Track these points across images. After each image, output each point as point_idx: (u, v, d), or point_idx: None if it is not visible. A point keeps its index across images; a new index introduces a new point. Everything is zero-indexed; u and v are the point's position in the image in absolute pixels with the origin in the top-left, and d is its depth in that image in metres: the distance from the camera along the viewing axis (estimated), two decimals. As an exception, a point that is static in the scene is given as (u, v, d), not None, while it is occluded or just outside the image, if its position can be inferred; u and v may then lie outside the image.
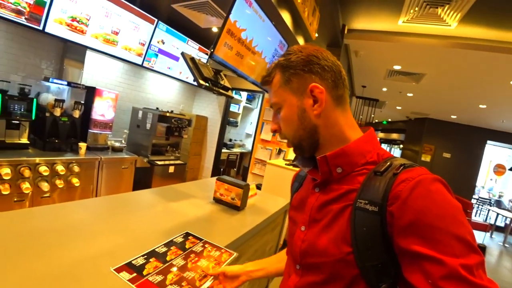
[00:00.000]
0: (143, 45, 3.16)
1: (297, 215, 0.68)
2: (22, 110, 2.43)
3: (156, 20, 3.11)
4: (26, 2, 2.26)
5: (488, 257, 5.06)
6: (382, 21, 3.11)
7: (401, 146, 9.37)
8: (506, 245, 6.14)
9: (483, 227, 6.10)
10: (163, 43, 3.36)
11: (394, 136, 10.10)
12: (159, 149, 3.62)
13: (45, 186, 2.34)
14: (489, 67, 3.35)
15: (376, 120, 10.98)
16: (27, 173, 2.21)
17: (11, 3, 2.19)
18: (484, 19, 2.69)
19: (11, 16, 2.22)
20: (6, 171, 2.08)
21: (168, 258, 0.98)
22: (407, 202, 0.46)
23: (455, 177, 7.37)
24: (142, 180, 3.36)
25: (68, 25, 2.52)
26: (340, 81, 0.62)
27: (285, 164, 4.08)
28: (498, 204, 9.43)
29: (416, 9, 2.74)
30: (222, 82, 1.57)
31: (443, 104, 5.75)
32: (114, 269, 0.86)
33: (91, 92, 2.92)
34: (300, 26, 2.37)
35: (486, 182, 11.70)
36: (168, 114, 3.41)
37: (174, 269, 0.93)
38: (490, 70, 3.44)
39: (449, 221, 0.43)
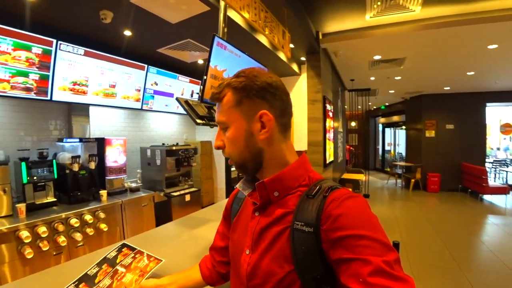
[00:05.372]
0: (139, 90, 3.44)
1: (240, 238, 0.71)
2: (44, 172, 2.68)
3: (146, 65, 3.39)
4: (33, 79, 2.54)
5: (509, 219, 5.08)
6: (351, 20, 3.32)
7: (404, 127, 9.41)
8: (528, 203, 6.12)
9: (502, 190, 6.06)
10: (156, 84, 3.64)
11: (395, 118, 10.14)
12: (172, 181, 3.84)
13: (78, 236, 2.55)
14: (463, 39, 3.50)
15: (374, 107, 11.10)
16: (61, 227, 2.43)
17: (20, 83, 2.48)
18: None
19: (23, 94, 2.51)
20: (43, 229, 2.30)
21: (96, 281, 0.95)
22: (336, 220, 0.53)
23: (464, 146, 7.39)
24: (162, 213, 3.56)
25: (71, 90, 2.81)
26: (287, 110, 0.67)
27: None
28: (515, 162, 9.34)
29: (379, 3, 2.94)
30: (215, 115, 1.78)
31: (433, 79, 5.86)
32: None
33: (101, 143, 3.18)
34: (276, 48, 2.60)
35: (500, 143, 11.53)
36: (174, 148, 3.64)
37: None
38: (465, 41, 3.59)
39: (369, 229, 0.51)
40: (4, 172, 2.38)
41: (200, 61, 3.74)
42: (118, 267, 0.99)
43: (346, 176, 5.78)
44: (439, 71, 5.13)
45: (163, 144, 3.90)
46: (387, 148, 11.76)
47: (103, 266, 1.00)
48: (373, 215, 0.54)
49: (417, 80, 5.95)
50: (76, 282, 0.93)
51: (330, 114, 4.28)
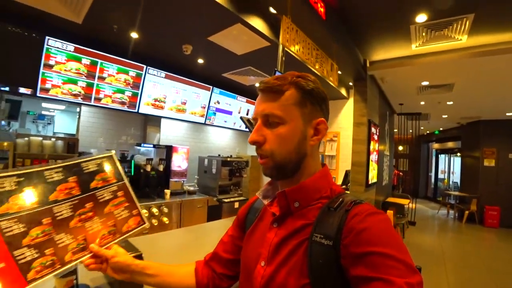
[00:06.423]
0: (204, 108, 4.06)
1: (255, 249, 0.68)
2: (124, 169, 3.30)
3: (211, 87, 4.01)
4: (127, 96, 3.24)
5: None
6: (397, 50, 3.52)
7: (459, 154, 8.86)
8: None
9: None
10: (218, 103, 4.24)
11: (450, 144, 9.59)
12: (224, 189, 4.30)
13: (145, 225, 3.07)
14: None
15: (427, 132, 10.62)
16: (135, 216, 2.99)
17: (118, 98, 3.18)
18: (490, 26, 2.88)
19: (119, 106, 3.21)
20: (123, 216, 2.87)
21: (51, 197, 0.66)
22: (359, 234, 0.52)
23: (530, 178, 6.76)
24: (213, 216, 4.00)
25: (152, 105, 3.48)
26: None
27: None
28: None
29: (424, 34, 3.10)
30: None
31: (492, 104, 5.56)
32: None
33: (169, 150, 3.77)
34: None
35: None
36: (229, 159, 4.12)
37: (48, 220, 0.63)
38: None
39: (394, 248, 0.49)
40: (98, 167, 3.05)
41: (257, 84, 4.24)
42: (87, 196, 0.72)
43: (391, 199, 5.71)
44: (498, 96, 4.89)
45: (219, 155, 4.41)
46: (440, 176, 11.07)
47: (69, 178, 0.71)
48: (398, 234, 0.53)
49: (472, 105, 5.73)
50: (23, 177, 0.65)
51: (375, 137, 4.42)
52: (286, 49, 2.00)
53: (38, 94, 2.69)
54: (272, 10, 2.35)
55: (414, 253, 4.46)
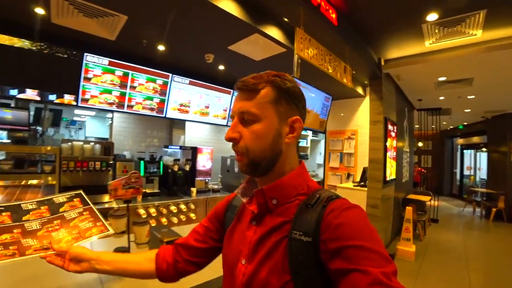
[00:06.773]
0: (226, 110, 4.31)
1: (236, 247, 0.69)
2: (154, 169, 3.59)
3: (231, 91, 4.25)
4: (156, 102, 3.54)
5: None
6: (411, 47, 3.58)
7: (485, 149, 8.57)
8: None
9: None
10: (238, 105, 4.47)
11: (475, 139, 9.29)
12: (245, 187, 4.52)
13: (174, 219, 3.32)
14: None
15: (451, 127, 10.33)
16: (164, 211, 3.26)
17: (148, 105, 3.48)
18: (506, 20, 2.86)
19: (148, 112, 3.51)
20: (153, 210, 3.15)
21: (24, 218, 0.82)
22: (335, 229, 0.54)
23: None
24: (236, 212, 4.23)
25: (178, 110, 3.76)
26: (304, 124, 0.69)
27: (353, 186, 4.56)
28: None
29: (436, 31, 3.13)
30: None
31: (516, 97, 5.40)
32: None
33: (194, 151, 4.05)
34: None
35: None
36: (249, 158, 4.33)
37: (18, 231, 0.78)
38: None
39: (368, 240, 0.51)
40: (130, 167, 3.35)
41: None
42: (56, 216, 0.87)
43: (411, 196, 5.69)
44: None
45: (240, 154, 4.64)
46: (466, 172, 10.71)
47: (42, 207, 0.88)
48: (373, 227, 0.55)
49: (496, 98, 5.58)
50: (2, 208, 0.82)
51: (393, 134, 4.48)
52: (301, 58, 2.18)
53: (79, 104, 3.03)
54: (286, 19, 2.55)
55: (434, 250, 4.48)
